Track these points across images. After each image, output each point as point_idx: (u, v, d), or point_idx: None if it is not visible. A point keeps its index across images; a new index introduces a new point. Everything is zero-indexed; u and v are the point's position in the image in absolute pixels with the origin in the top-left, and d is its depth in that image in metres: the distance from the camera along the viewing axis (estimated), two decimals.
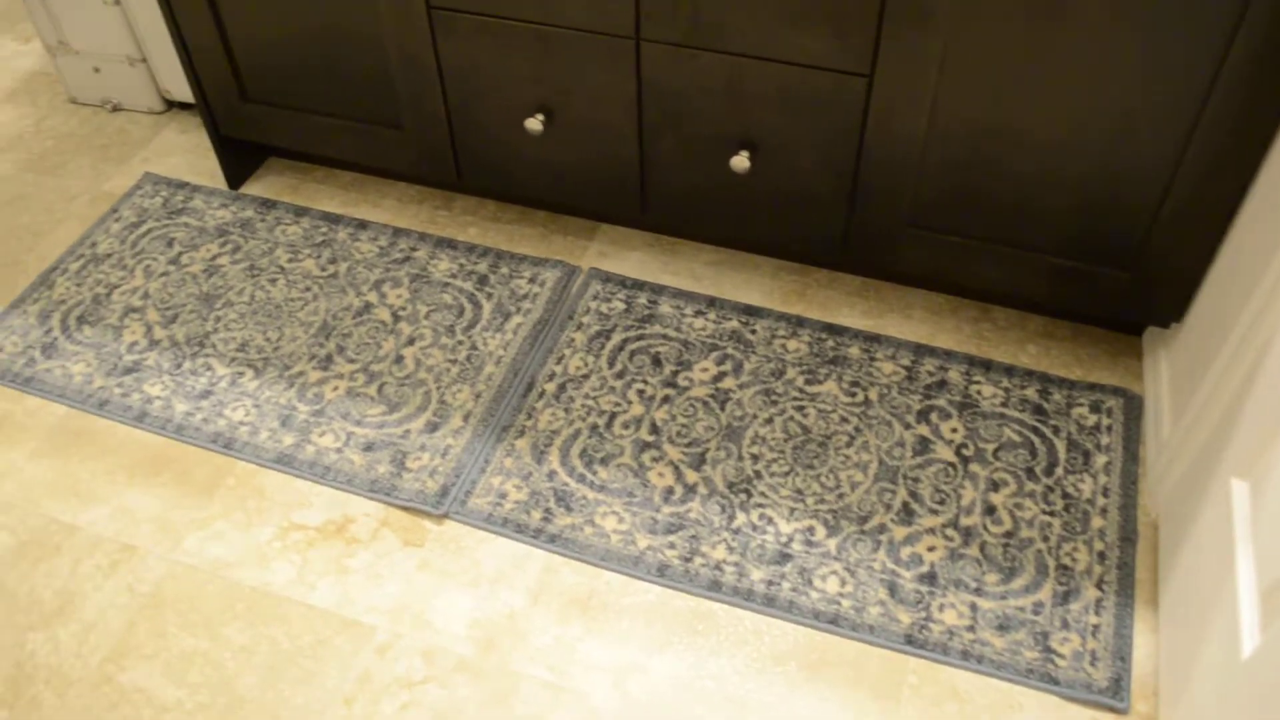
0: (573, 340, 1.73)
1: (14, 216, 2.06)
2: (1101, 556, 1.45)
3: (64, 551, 1.52)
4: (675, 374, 1.67)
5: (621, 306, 1.77)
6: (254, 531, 1.52)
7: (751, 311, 1.77)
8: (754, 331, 1.74)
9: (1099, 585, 1.42)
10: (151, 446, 1.63)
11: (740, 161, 1.57)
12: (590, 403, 1.64)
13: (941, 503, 1.51)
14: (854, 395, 1.65)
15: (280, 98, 1.85)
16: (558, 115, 1.66)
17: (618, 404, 1.63)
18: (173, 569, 1.49)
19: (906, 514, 1.50)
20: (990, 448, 1.58)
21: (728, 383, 1.66)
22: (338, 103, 1.80)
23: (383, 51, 1.69)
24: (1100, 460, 1.56)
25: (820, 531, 1.48)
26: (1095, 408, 1.62)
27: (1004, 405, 1.63)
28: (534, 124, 1.64)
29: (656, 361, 1.69)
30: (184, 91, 2.18)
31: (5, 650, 1.42)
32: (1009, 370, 1.67)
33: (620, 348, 1.71)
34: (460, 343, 1.73)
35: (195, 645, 1.41)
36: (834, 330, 1.74)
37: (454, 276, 1.83)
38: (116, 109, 2.28)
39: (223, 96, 1.88)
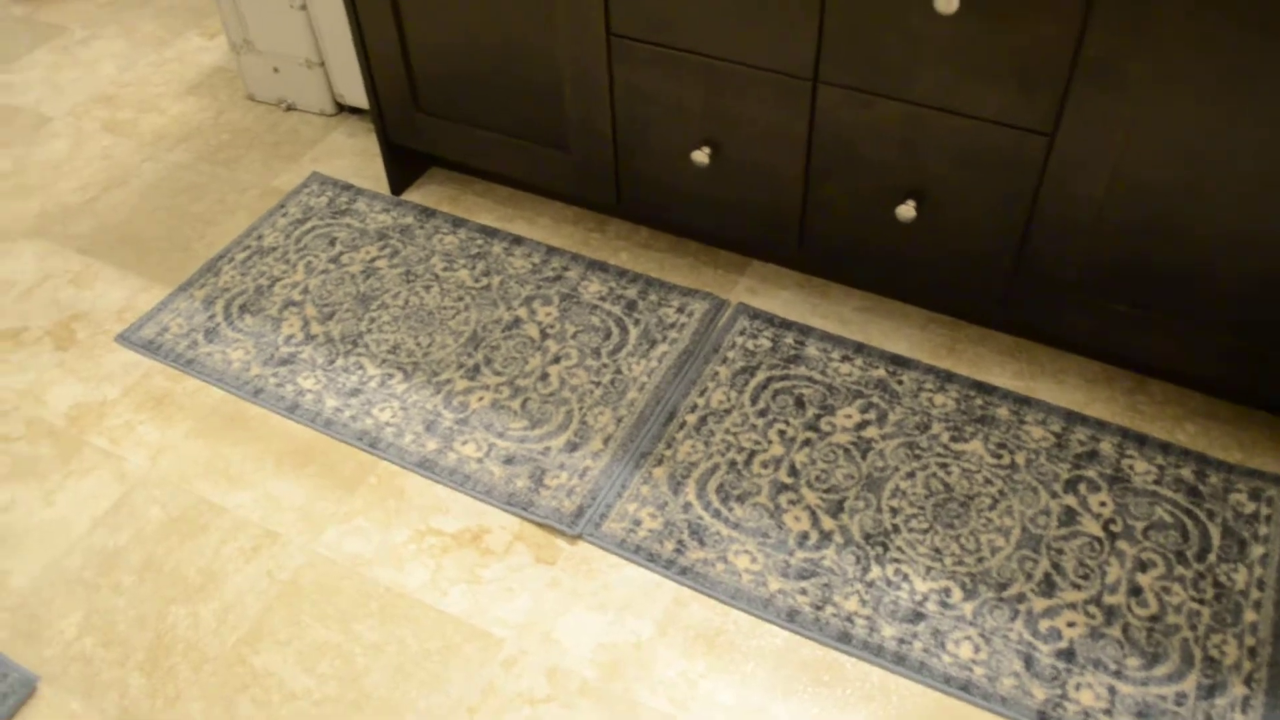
0: (717, 374, 1.72)
1: (188, 204, 2.15)
2: (1252, 653, 1.38)
3: (210, 531, 1.57)
4: (818, 418, 1.66)
5: (768, 345, 1.77)
6: (392, 532, 1.55)
7: (899, 361, 1.74)
8: (900, 382, 1.71)
9: (1247, 682, 1.36)
10: (300, 438, 1.68)
11: (906, 211, 1.55)
12: (730, 438, 1.63)
13: (1085, 578, 1.46)
14: (1000, 457, 1.60)
15: (451, 110, 1.89)
16: (723, 149, 1.66)
17: (758, 442, 1.62)
18: (311, 559, 1.52)
19: (1047, 586, 1.45)
20: (1140, 526, 1.52)
21: (871, 432, 1.64)
22: (506, 120, 1.84)
23: (557, 73, 1.72)
24: (1256, 551, 1.49)
25: (956, 594, 1.44)
26: (1255, 495, 1.55)
27: (1157, 483, 1.57)
28: (700, 156, 1.65)
29: (800, 403, 1.68)
30: (356, 97, 2.25)
31: (148, 620, 1.48)
32: (1164, 447, 1.61)
33: (764, 386, 1.70)
34: (605, 365, 1.74)
35: (327, 637, 1.44)
36: (983, 388, 1.70)
37: (603, 299, 1.85)
38: (290, 108, 2.37)
39: (396, 105, 1.94)
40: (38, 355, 1.86)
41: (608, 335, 1.79)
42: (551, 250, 1.95)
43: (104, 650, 1.45)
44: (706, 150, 1.66)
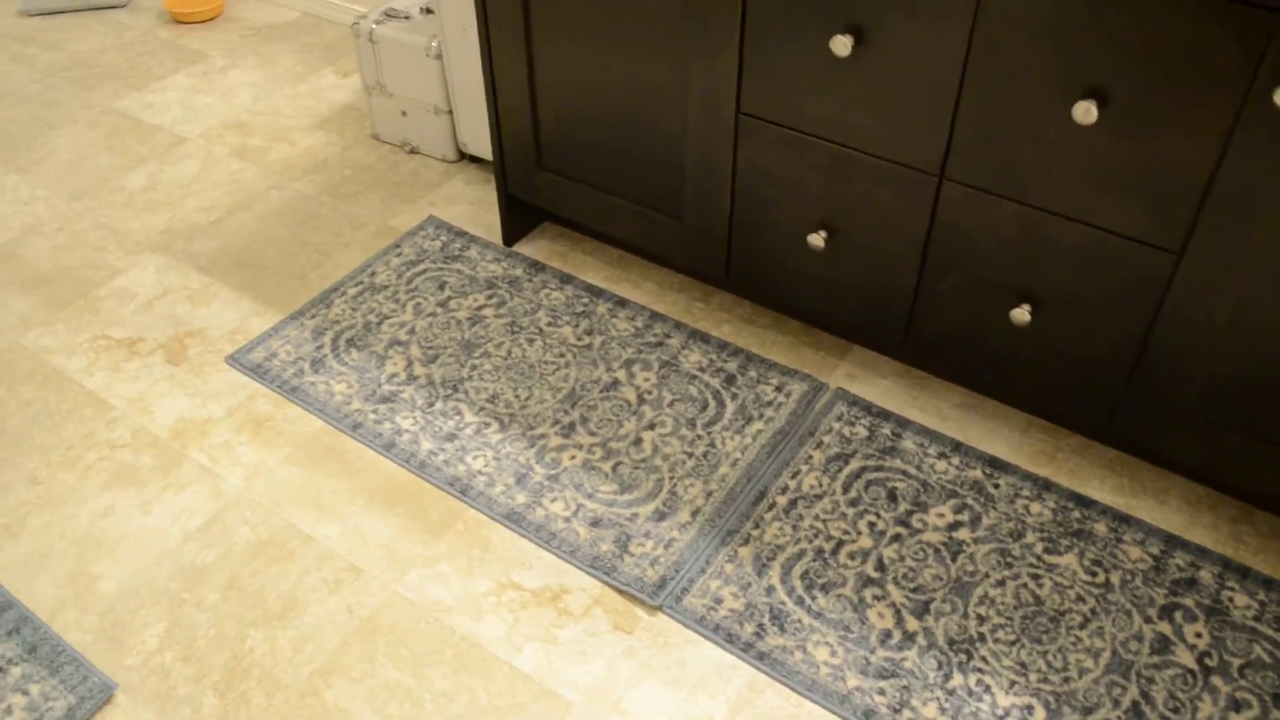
0: (810, 458, 1.71)
1: (307, 233, 2.21)
2: None
3: (296, 558, 1.60)
4: (910, 513, 1.63)
5: (864, 433, 1.75)
6: (474, 581, 1.56)
7: (997, 464, 1.71)
8: (997, 485, 1.68)
9: None
10: (393, 476, 1.70)
11: (1021, 315, 1.53)
12: (819, 525, 1.61)
13: (1175, 710, 1.41)
14: (1095, 575, 1.56)
15: (571, 170, 1.93)
16: (840, 234, 1.67)
17: (847, 532, 1.60)
18: (392, 599, 1.54)
19: (1135, 715, 1.40)
20: (1236, 663, 1.46)
21: (963, 534, 1.61)
22: (624, 185, 1.87)
23: (681, 146, 1.74)
24: None
25: (1040, 713, 1.40)
26: None
27: (1257, 620, 1.51)
28: (816, 240, 1.66)
29: (892, 497, 1.66)
30: (479, 147, 2.31)
31: (227, 640, 1.50)
32: (1268, 583, 1.56)
33: (857, 475, 1.69)
34: (699, 437, 1.74)
35: (399, 679, 1.45)
36: (1082, 501, 1.66)
37: (702, 370, 1.85)
38: (413, 152, 2.43)
39: (519, 160, 1.98)
40: (150, 367, 1.92)
41: (704, 407, 1.79)
42: (655, 316, 1.96)
43: (182, 665, 1.47)
44: (823, 234, 1.66)
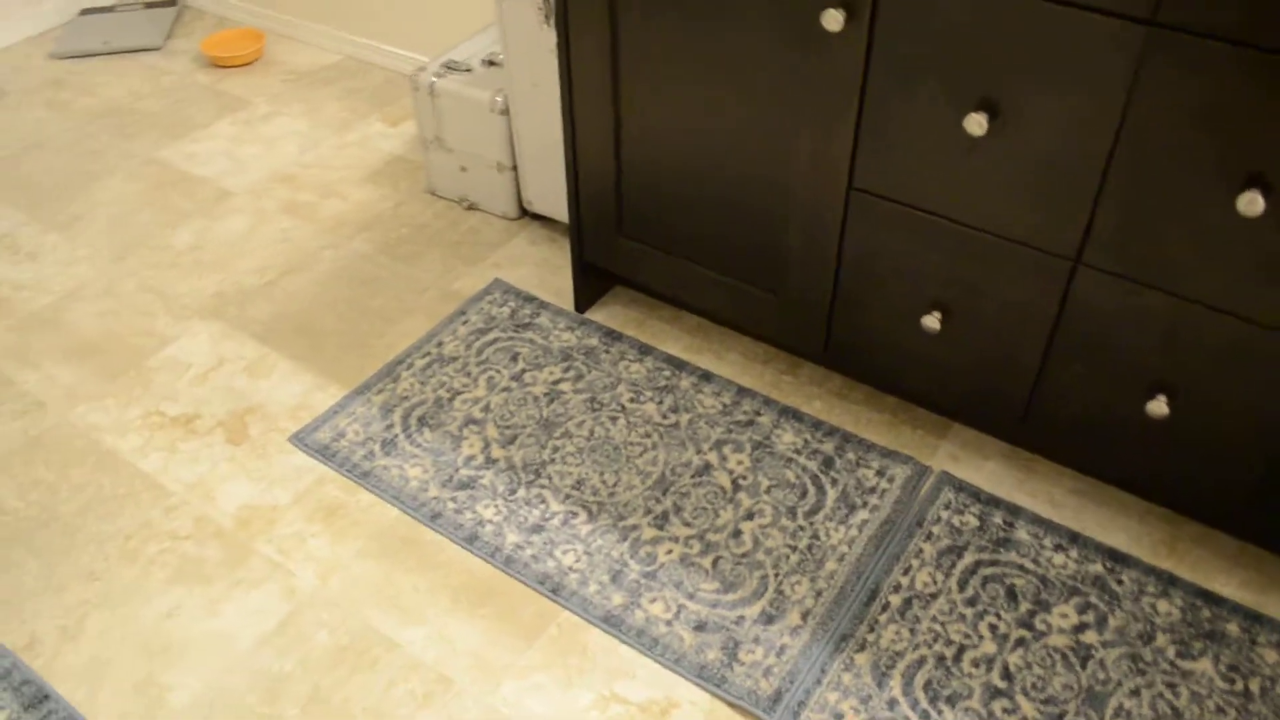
0: (921, 551, 1.61)
1: (367, 298, 2.11)
2: None
3: (380, 667, 1.49)
4: (1031, 614, 1.53)
5: (975, 523, 1.65)
6: (574, 693, 1.45)
7: (1117, 557, 1.61)
8: (1120, 581, 1.58)
9: None
10: (478, 573, 1.60)
11: (1158, 407, 1.43)
12: (938, 627, 1.51)
13: None
14: (1232, 682, 1.46)
15: (655, 238, 1.83)
16: (956, 315, 1.57)
17: (967, 636, 1.50)
18: (488, 715, 1.43)
19: None
20: None
21: (1090, 636, 1.51)
22: (715, 257, 1.77)
23: (782, 220, 1.64)
24: None
25: None
26: None
27: None
28: (931, 322, 1.56)
29: (1012, 595, 1.55)
30: (545, 206, 2.20)
31: None
32: None
33: (972, 570, 1.58)
34: (801, 528, 1.63)
35: None
36: (1210, 598, 1.56)
37: (798, 452, 1.75)
38: (472, 208, 2.33)
39: (598, 226, 1.88)
40: (210, 447, 1.81)
41: (804, 493, 1.69)
42: (743, 391, 1.86)
43: None
44: (937, 315, 1.56)
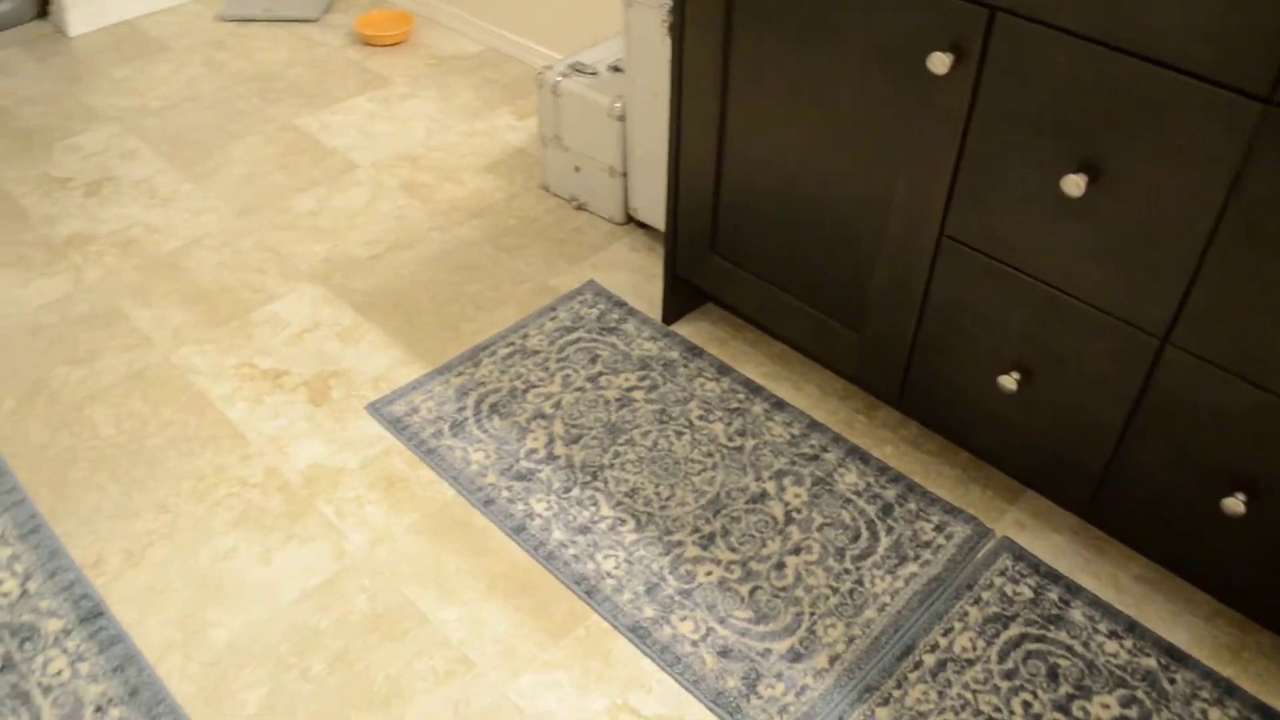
0: (966, 614, 1.56)
1: (465, 282, 2.16)
2: None
3: (409, 640, 1.52)
4: (1070, 698, 1.47)
5: (1028, 594, 1.59)
6: (589, 698, 1.45)
7: (1175, 655, 1.53)
8: (1173, 681, 1.50)
9: None
10: (519, 564, 1.62)
11: (1235, 505, 1.36)
12: (968, 695, 1.46)
13: None
14: None
15: (746, 260, 1.83)
16: (1034, 378, 1.52)
17: (998, 709, 1.45)
18: (500, 703, 1.45)
19: None
20: None
21: None
22: (802, 286, 1.76)
23: (871, 257, 1.62)
24: None
25: None
26: None
27: None
28: (1008, 382, 1.51)
29: (1053, 675, 1.50)
30: (650, 215, 2.22)
31: None
32: None
33: (1016, 643, 1.53)
34: (847, 571, 1.61)
35: None
36: (1268, 714, 1.47)
37: (858, 494, 1.72)
38: (581, 208, 2.36)
39: (692, 241, 1.89)
40: (292, 404, 1.88)
41: (856, 536, 1.66)
42: (814, 424, 1.84)
43: None
44: (1015, 375, 1.52)
